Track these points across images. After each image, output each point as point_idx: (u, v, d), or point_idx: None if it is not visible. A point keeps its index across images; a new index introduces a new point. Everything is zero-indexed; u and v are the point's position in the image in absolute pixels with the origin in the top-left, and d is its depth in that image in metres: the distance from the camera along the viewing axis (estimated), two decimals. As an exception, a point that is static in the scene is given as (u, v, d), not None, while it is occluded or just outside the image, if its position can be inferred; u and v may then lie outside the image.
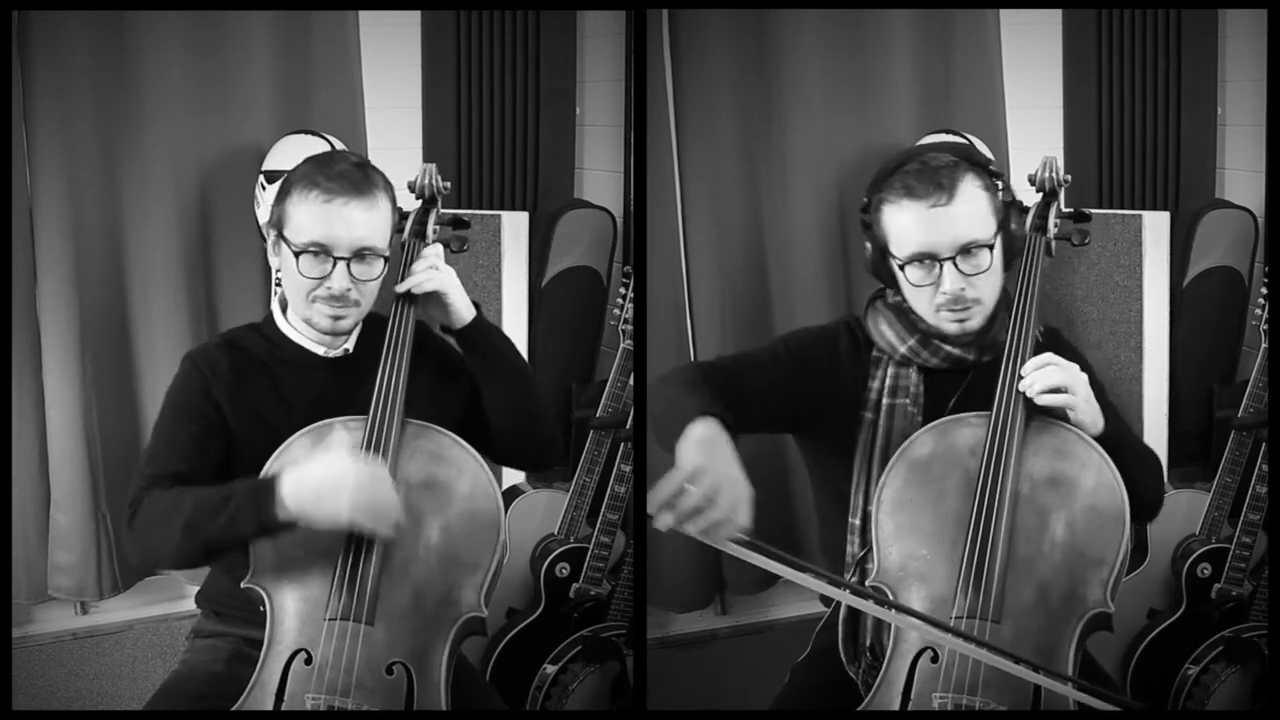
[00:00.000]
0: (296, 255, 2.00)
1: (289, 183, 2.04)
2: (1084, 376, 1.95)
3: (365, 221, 2.01)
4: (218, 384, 2.06)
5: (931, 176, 1.97)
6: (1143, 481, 2.00)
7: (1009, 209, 2.07)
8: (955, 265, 1.97)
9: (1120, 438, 1.99)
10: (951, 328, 2.03)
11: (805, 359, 2.12)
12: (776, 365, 2.10)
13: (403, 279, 2.13)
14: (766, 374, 2.09)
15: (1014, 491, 1.89)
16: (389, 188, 2.08)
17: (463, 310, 2.13)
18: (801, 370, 2.11)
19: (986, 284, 2.01)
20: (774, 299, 3.06)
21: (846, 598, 1.90)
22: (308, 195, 2.00)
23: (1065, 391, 1.92)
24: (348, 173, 2.02)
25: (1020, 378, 1.95)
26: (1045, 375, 1.92)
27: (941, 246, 1.97)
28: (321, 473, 1.83)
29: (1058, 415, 1.94)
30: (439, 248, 2.17)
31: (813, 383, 2.11)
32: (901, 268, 2.02)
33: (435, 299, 2.11)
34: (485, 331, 2.17)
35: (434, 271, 2.10)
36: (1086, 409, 1.93)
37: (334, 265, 2.00)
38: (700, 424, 1.81)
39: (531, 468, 2.18)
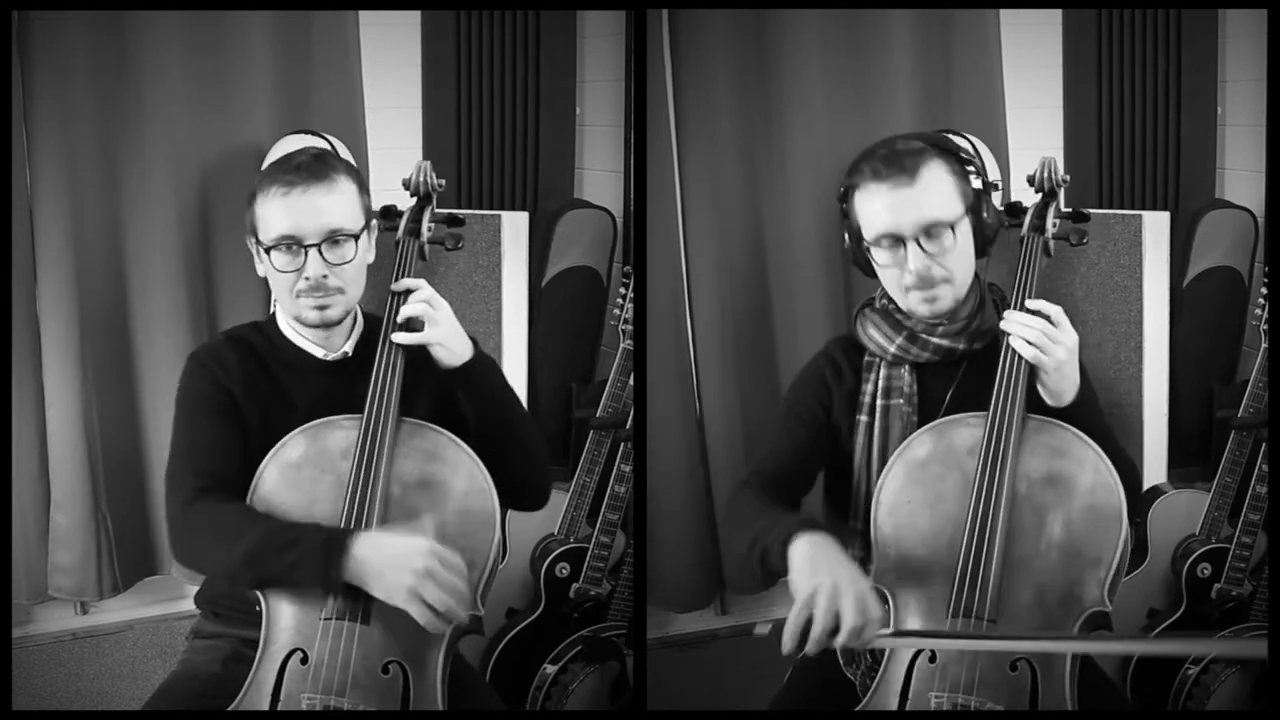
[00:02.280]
0: (268, 252, 2.01)
1: (253, 189, 2.06)
2: (1072, 345, 1.95)
3: (328, 205, 2.01)
4: (229, 377, 2.07)
5: (896, 160, 2.01)
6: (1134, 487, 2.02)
7: (980, 196, 2.08)
8: (919, 245, 1.99)
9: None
10: (922, 309, 2.05)
11: (814, 416, 2.15)
12: (801, 444, 2.13)
13: (397, 278, 2.14)
14: (799, 454, 2.13)
15: (1011, 491, 1.89)
16: (352, 172, 2.09)
17: (449, 360, 2.07)
18: (818, 429, 2.14)
19: (954, 264, 2.02)
20: (774, 299, 3.06)
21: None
22: (269, 192, 2.02)
23: (1038, 348, 1.93)
24: (304, 163, 2.04)
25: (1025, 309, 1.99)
26: (1029, 324, 1.95)
27: (904, 226, 1.99)
28: (395, 546, 1.83)
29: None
30: (430, 292, 2.09)
31: (825, 427, 2.15)
32: (870, 250, 2.05)
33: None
34: (481, 377, 2.11)
35: (426, 332, 2.05)
36: (1056, 376, 1.94)
37: (306, 254, 2.01)
38: (796, 545, 1.80)
39: (510, 506, 2.16)
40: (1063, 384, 1.95)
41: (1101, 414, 2.06)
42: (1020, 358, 1.97)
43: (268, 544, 1.85)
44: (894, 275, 2.05)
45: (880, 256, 2.05)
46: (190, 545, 1.97)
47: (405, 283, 2.13)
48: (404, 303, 2.08)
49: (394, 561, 1.81)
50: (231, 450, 2.02)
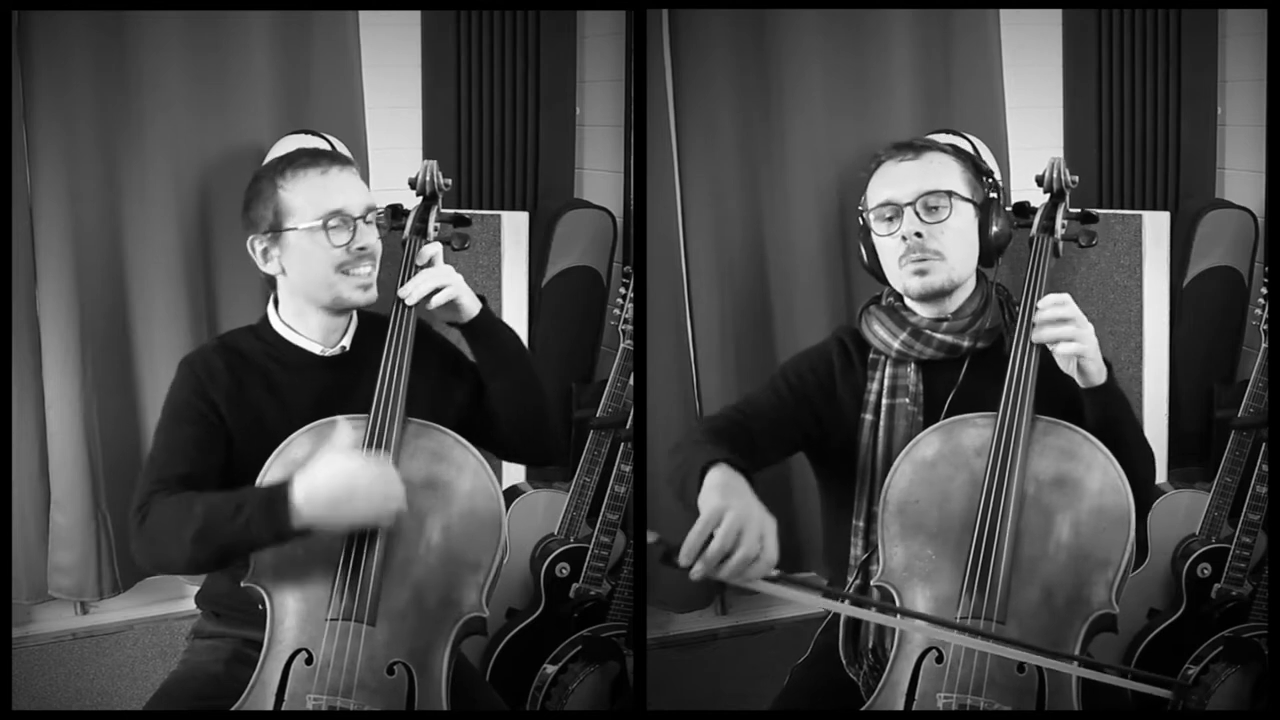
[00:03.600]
0: (324, 229, 2.04)
1: (271, 182, 2.07)
2: (1091, 329, 1.96)
3: (360, 184, 2.09)
4: (214, 386, 2.06)
5: (907, 144, 2.11)
6: (1140, 480, 2.02)
7: (991, 203, 2.12)
8: (915, 211, 2.04)
9: (1126, 434, 2.00)
10: (913, 282, 2.06)
11: (804, 385, 2.15)
12: (780, 403, 2.14)
13: (404, 278, 2.14)
14: (774, 413, 2.12)
15: (1020, 492, 1.89)
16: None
17: (470, 307, 2.15)
18: (803, 397, 2.14)
19: (950, 241, 2.05)
20: (774, 298, 3.06)
21: (900, 622, 1.91)
22: (302, 176, 2.06)
23: (1073, 327, 1.93)
24: (320, 150, 2.13)
25: (1036, 309, 1.98)
26: (1059, 309, 1.95)
27: (902, 194, 2.05)
28: (332, 477, 1.84)
29: (1061, 357, 1.95)
30: (438, 248, 2.17)
31: (814, 403, 2.15)
32: (872, 224, 2.10)
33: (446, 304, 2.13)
34: (491, 324, 2.20)
35: (446, 288, 2.12)
36: (1095, 359, 1.95)
37: (354, 226, 2.05)
38: (713, 472, 1.82)
39: (536, 462, 2.25)
40: (1098, 362, 1.96)
41: (1139, 428, 2.09)
42: (1032, 360, 1.97)
43: (214, 516, 1.87)
44: (891, 247, 2.08)
45: (879, 226, 2.09)
46: (147, 546, 1.97)
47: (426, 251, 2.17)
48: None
49: (339, 493, 1.83)
50: (194, 455, 2.02)
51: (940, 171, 2.07)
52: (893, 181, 2.08)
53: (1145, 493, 2.08)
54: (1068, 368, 1.94)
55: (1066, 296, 1.97)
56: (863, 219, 2.14)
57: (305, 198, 2.04)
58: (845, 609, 2.00)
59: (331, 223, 2.04)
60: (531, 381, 2.23)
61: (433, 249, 2.17)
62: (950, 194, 2.05)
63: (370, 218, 2.08)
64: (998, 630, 1.83)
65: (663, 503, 2.93)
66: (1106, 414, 1.98)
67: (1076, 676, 1.83)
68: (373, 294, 2.10)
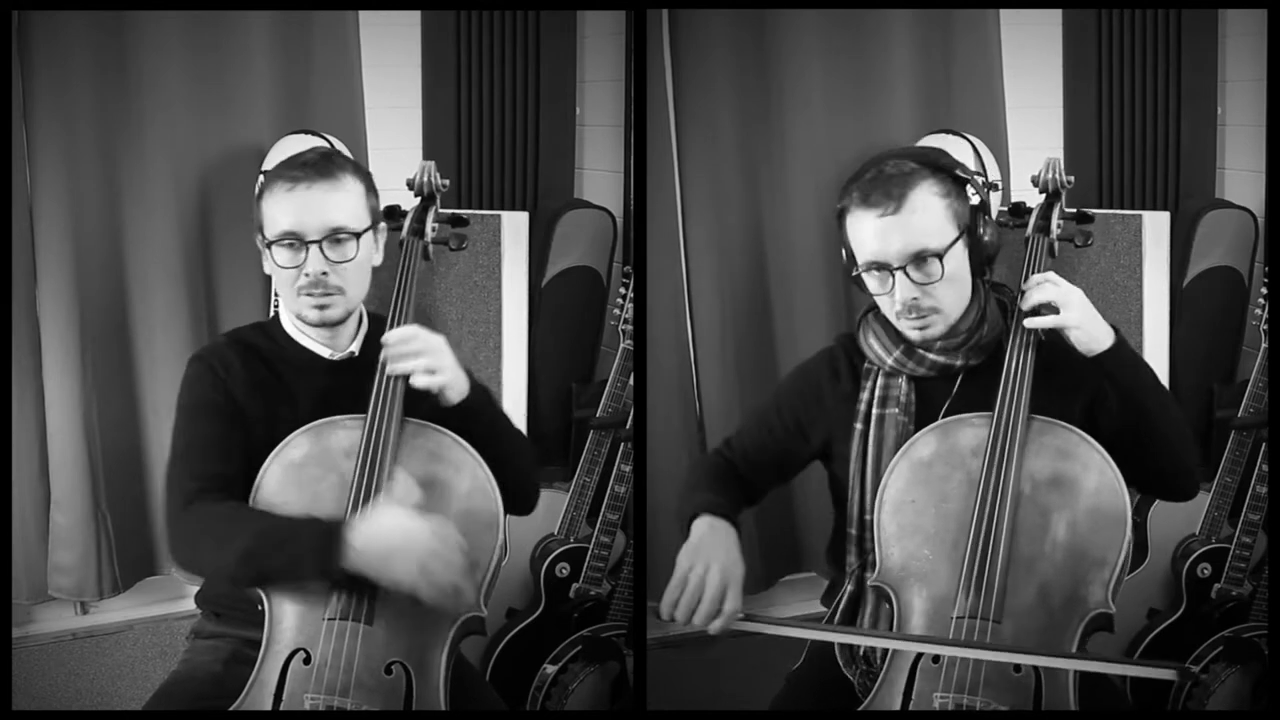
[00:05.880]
0: (270, 247, 2.01)
1: (262, 185, 2.06)
2: (1080, 294, 1.95)
3: (332, 203, 2.01)
4: (232, 380, 2.06)
5: (883, 185, 1.93)
6: (1175, 450, 2.00)
7: (977, 214, 2.01)
8: (907, 274, 1.93)
9: (1148, 403, 1.97)
10: (913, 334, 2.01)
11: (795, 413, 2.16)
12: (772, 440, 2.17)
13: (401, 277, 2.13)
14: (763, 451, 2.19)
15: (1016, 492, 1.89)
16: (360, 172, 2.08)
17: (454, 398, 2.06)
18: (794, 430, 2.16)
19: (944, 293, 1.96)
20: (774, 298, 3.06)
21: (864, 639, 1.97)
22: (274, 189, 2.02)
23: (1054, 311, 1.94)
24: (310, 160, 2.04)
25: (1023, 294, 2.00)
26: (1038, 292, 1.96)
27: (891, 256, 1.93)
28: (393, 530, 1.82)
29: (1056, 332, 1.96)
30: (424, 341, 2.05)
31: (804, 429, 2.16)
32: (860, 275, 2.00)
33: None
34: (478, 410, 2.11)
35: (435, 375, 2.03)
36: (1086, 326, 1.93)
37: (307, 250, 2.00)
38: (696, 523, 1.97)
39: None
40: (1093, 331, 1.93)
41: (1174, 402, 2.04)
42: (1027, 359, 1.96)
43: (264, 541, 1.85)
44: (886, 301, 1.99)
45: (871, 284, 1.99)
46: (187, 548, 1.96)
47: (396, 333, 2.06)
48: (400, 350, 2.04)
49: (397, 546, 1.81)
50: (230, 451, 2.01)
51: (924, 222, 1.93)
52: (877, 236, 1.93)
53: (1183, 466, 2.02)
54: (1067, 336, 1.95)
55: (1050, 274, 1.97)
56: (840, 230, 2.04)
57: (271, 212, 2.02)
58: (823, 634, 2.07)
59: (281, 242, 2.01)
60: (510, 461, 2.12)
61: (438, 342, 2.06)
62: (940, 256, 1.94)
63: (343, 238, 2.01)
64: (994, 630, 1.83)
65: (663, 502, 2.94)
66: (1121, 383, 1.95)
67: (1074, 675, 1.83)
68: (331, 314, 2.05)
